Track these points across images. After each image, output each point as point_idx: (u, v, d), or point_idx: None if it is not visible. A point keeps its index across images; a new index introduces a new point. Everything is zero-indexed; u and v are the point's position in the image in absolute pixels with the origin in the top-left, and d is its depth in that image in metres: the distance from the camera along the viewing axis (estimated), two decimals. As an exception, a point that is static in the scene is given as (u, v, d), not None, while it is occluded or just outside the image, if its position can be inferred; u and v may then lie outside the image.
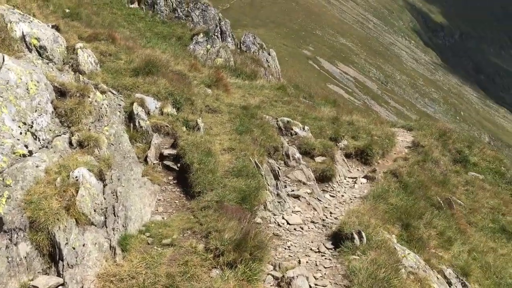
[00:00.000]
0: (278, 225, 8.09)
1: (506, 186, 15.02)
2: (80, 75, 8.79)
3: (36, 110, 6.65)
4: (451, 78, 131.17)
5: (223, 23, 24.91)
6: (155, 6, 24.76)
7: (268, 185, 8.84)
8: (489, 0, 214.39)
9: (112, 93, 9.07)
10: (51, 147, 6.58)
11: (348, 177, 11.41)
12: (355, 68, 75.40)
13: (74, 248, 5.49)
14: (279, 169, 9.77)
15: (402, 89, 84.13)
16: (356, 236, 7.20)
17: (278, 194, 8.92)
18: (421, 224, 9.46)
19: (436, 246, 9.22)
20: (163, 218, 7.11)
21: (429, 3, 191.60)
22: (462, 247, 9.63)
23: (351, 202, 9.84)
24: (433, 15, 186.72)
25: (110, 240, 6.08)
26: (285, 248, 7.31)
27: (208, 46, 22.38)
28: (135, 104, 8.94)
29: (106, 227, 6.15)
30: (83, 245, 5.62)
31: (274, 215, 8.38)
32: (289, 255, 7.09)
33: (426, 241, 8.89)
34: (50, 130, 6.78)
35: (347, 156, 12.42)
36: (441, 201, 11.16)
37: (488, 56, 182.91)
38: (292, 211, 8.71)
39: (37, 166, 5.98)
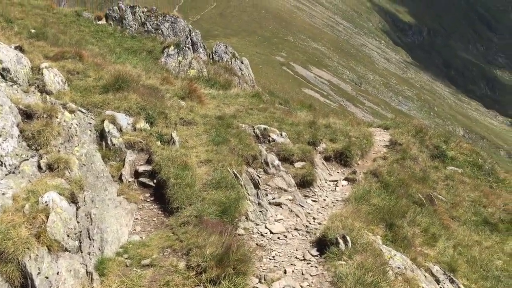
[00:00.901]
0: (261, 235, 7.91)
1: (485, 178, 15.16)
2: (47, 96, 8.50)
3: (0, 135, 6.36)
4: (423, 75, 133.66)
5: (193, 34, 24.75)
6: (123, 21, 24.47)
7: (249, 194, 8.67)
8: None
9: (82, 112, 8.81)
10: (19, 172, 6.29)
11: (329, 181, 11.31)
12: (329, 71, 76.13)
13: (47, 278, 5.20)
14: (259, 177, 9.61)
15: (376, 89, 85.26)
16: (341, 241, 7.06)
17: (259, 203, 8.75)
18: (404, 222, 9.40)
19: (422, 244, 9.16)
20: (141, 237, 6.86)
21: (396, 3, 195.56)
22: (447, 243, 9.61)
23: (334, 205, 9.72)
24: (400, 14, 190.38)
25: (86, 265, 5.81)
26: (270, 259, 7.12)
27: (180, 58, 22.16)
28: (106, 121, 8.68)
29: (81, 252, 5.88)
30: (57, 273, 5.34)
31: (257, 225, 8.20)
32: (274, 266, 6.91)
33: (411, 240, 8.82)
34: (16, 155, 6.49)
35: (327, 159, 12.34)
36: (422, 198, 11.15)
37: (456, 51, 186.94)
38: (275, 220, 8.54)
39: (3, 194, 5.69)
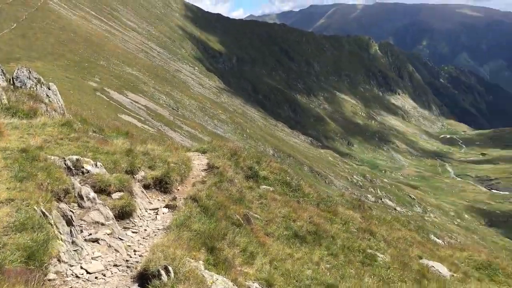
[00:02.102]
0: (77, 276, 7.28)
1: (293, 194, 16.65)
2: None
3: None
4: (235, 100, 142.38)
5: (-12, 56, 22.04)
6: None
7: (61, 233, 7.92)
8: (256, 27, 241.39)
9: None
10: None
11: (150, 209, 11.08)
12: (145, 96, 75.54)
13: None
14: (73, 213, 8.88)
15: (192, 113, 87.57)
16: (163, 272, 6.91)
17: (73, 242, 8.06)
18: (225, 244, 9.67)
19: (241, 264, 9.54)
20: None
21: (206, 32, 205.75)
22: (264, 259, 10.17)
23: (155, 235, 9.52)
24: (211, 43, 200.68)
25: None
26: (87, 302, 6.60)
27: (-28, 84, 19.43)
28: None
29: None
30: None
31: (71, 266, 7.52)
32: (93, 309, 6.41)
33: (231, 261, 9.10)
34: None
35: (146, 187, 12.10)
36: (240, 218, 11.67)
37: (262, 77, 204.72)
38: (92, 258, 7.96)
39: None
